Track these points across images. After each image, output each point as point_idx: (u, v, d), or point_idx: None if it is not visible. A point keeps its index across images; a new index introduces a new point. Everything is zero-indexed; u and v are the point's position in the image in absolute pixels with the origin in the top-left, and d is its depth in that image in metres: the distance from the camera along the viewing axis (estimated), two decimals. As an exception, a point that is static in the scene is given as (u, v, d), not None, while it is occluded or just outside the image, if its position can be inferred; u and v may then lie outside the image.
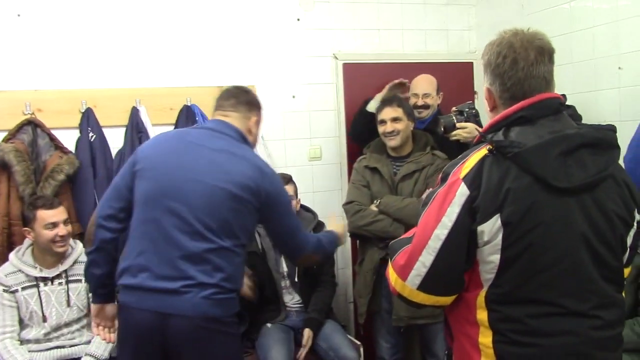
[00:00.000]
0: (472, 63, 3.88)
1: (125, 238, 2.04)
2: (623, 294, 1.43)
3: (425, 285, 1.39)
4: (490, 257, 1.32)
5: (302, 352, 2.80)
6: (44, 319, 2.60)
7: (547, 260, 1.32)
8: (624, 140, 2.31)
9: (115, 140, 3.12)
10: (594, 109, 2.96)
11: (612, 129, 1.40)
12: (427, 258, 1.37)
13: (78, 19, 3.08)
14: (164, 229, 1.90)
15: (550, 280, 1.32)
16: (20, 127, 2.87)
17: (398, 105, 2.87)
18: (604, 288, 1.37)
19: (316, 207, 3.24)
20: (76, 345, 2.65)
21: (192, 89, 3.25)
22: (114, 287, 2.08)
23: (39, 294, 2.60)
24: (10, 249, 2.72)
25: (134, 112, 3.12)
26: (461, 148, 2.61)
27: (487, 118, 1.55)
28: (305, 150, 3.59)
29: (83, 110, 3.05)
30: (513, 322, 1.34)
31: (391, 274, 1.47)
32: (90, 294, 2.65)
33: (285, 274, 2.97)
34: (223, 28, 3.36)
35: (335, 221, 2.66)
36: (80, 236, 2.85)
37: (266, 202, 2.00)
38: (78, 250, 2.72)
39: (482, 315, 1.37)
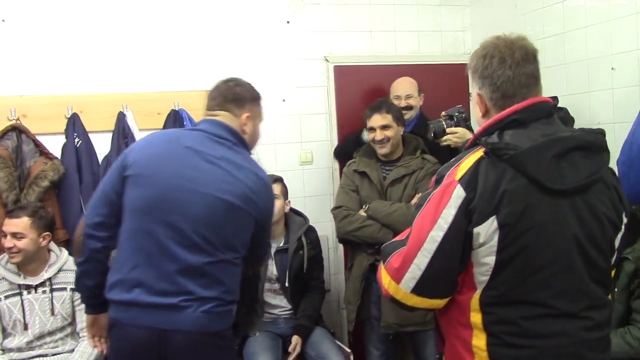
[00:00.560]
0: (466, 64, 3.80)
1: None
2: (609, 297, 1.45)
3: (420, 289, 1.39)
4: (485, 259, 1.33)
5: (290, 359, 2.76)
6: (26, 327, 2.57)
7: (541, 261, 1.33)
8: (617, 142, 2.29)
9: (102, 145, 3.09)
10: (587, 110, 2.92)
11: (602, 133, 1.42)
12: (422, 260, 1.36)
13: (63, 23, 3.06)
14: (160, 241, 1.79)
15: (543, 282, 1.34)
16: (4, 133, 2.86)
17: (387, 111, 2.82)
18: (594, 290, 1.39)
19: (307, 211, 3.20)
20: (59, 353, 2.62)
21: (179, 93, 3.22)
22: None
23: (22, 302, 2.58)
24: (-4, 256, 2.69)
25: (121, 117, 3.10)
26: (452, 152, 2.58)
27: (477, 125, 1.55)
28: (296, 155, 3.55)
29: (69, 116, 3.03)
30: (507, 324, 1.35)
31: (384, 277, 1.46)
32: (75, 303, 2.65)
33: (275, 277, 2.92)
34: (211, 31, 3.32)
35: None
36: (65, 243, 2.82)
37: (262, 216, 1.94)
38: (63, 258, 2.69)
39: (476, 317, 1.37)
